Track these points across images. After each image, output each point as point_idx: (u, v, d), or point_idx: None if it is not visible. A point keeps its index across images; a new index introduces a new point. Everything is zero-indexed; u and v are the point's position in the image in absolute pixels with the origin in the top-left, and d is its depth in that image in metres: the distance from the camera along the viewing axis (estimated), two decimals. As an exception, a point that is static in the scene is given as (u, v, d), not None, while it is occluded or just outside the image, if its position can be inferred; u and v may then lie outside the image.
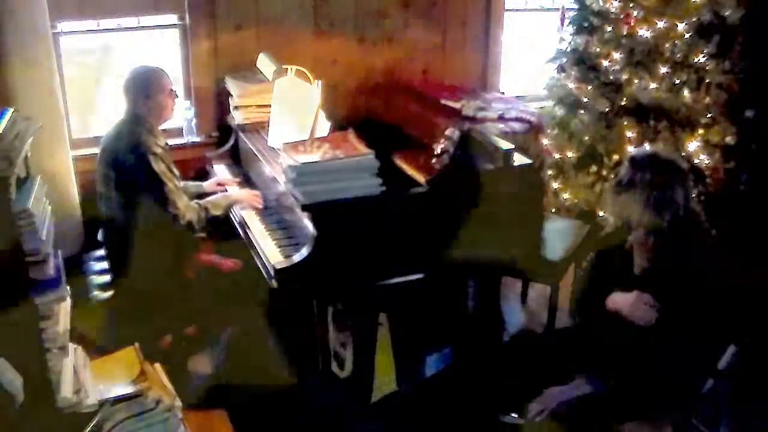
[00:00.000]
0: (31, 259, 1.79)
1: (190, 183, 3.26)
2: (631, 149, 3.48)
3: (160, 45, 3.62)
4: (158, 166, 2.76)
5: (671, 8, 3.49)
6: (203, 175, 3.48)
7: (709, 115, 3.62)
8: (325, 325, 2.93)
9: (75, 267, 3.02)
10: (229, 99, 3.41)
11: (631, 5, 3.57)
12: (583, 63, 3.81)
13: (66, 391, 1.87)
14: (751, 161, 3.69)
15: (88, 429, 1.91)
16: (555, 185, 4.01)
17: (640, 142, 3.58)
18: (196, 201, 2.90)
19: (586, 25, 3.79)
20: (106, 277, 2.98)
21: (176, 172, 2.90)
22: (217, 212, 2.91)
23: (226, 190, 3.22)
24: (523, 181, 2.85)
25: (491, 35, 4.13)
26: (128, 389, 2.03)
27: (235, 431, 2.68)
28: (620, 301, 2.20)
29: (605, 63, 3.71)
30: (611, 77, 3.71)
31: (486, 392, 2.49)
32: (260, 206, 3.01)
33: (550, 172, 3.97)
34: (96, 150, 2.96)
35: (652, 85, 3.58)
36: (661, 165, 2.21)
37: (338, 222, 2.48)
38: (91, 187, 3.06)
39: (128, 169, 2.78)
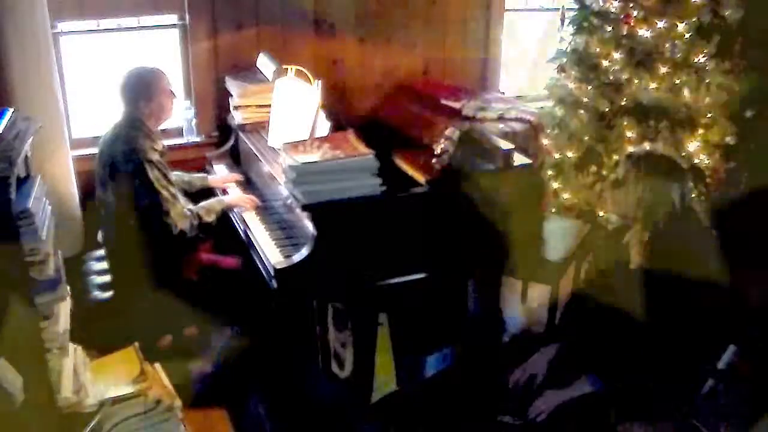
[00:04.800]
0: (31, 259, 1.79)
1: (196, 175, 3.27)
2: (631, 149, 3.48)
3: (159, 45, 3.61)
4: (153, 174, 2.75)
5: (671, 8, 3.49)
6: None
7: (709, 115, 3.62)
8: (325, 325, 2.93)
9: (75, 267, 3.02)
10: (229, 99, 3.41)
11: (631, 5, 3.57)
12: (583, 63, 3.81)
13: (66, 391, 1.87)
14: (751, 161, 3.69)
15: (88, 429, 1.91)
16: (555, 185, 4.01)
17: (640, 142, 3.58)
18: (188, 208, 2.89)
19: (586, 25, 3.79)
20: (106, 277, 2.99)
21: (171, 178, 2.88)
22: (210, 218, 2.91)
23: (226, 191, 3.22)
24: (523, 181, 2.85)
25: (491, 35, 4.13)
26: (128, 389, 2.03)
27: (235, 431, 2.69)
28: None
29: (605, 63, 3.71)
30: (611, 77, 3.71)
31: (486, 392, 2.49)
32: (253, 208, 3.01)
33: (550, 172, 3.97)
34: (96, 150, 2.96)
35: (652, 85, 3.58)
36: (656, 161, 2.22)
37: (338, 222, 2.48)
38: (91, 187, 3.07)
39: (124, 176, 2.77)
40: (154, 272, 2.83)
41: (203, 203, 2.97)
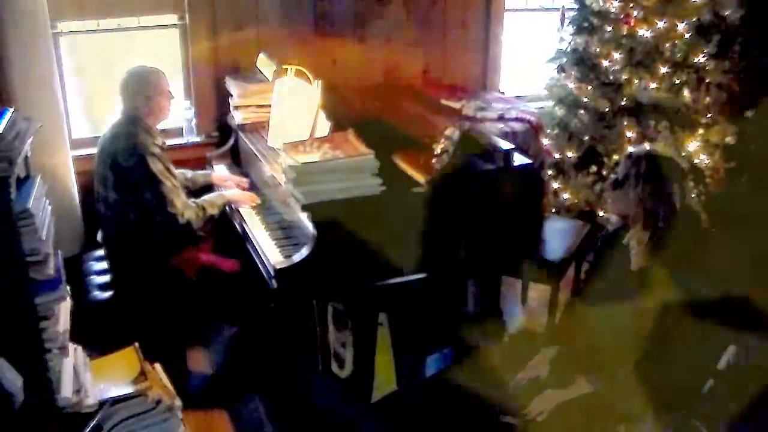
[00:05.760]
0: (31, 259, 1.79)
1: (199, 172, 3.27)
2: (631, 149, 3.48)
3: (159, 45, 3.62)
4: (155, 166, 2.77)
5: (671, 8, 3.49)
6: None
7: (709, 115, 3.62)
8: (325, 325, 2.93)
9: (75, 267, 3.02)
10: (229, 99, 3.41)
11: (631, 5, 3.57)
12: (583, 63, 3.81)
13: (66, 391, 1.86)
14: (751, 161, 3.69)
15: (88, 429, 1.91)
16: (555, 185, 4.01)
17: (640, 142, 3.58)
18: (193, 200, 2.91)
19: (586, 25, 3.79)
20: (106, 277, 2.99)
21: (174, 171, 2.90)
22: (213, 211, 2.93)
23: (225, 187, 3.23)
24: (523, 181, 2.85)
25: (491, 35, 4.12)
26: (128, 389, 2.03)
27: (235, 431, 2.69)
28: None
29: (605, 63, 3.71)
30: (611, 77, 3.71)
31: (486, 392, 2.49)
32: (254, 204, 3.01)
33: (550, 172, 3.97)
34: (95, 150, 2.96)
35: (652, 85, 3.58)
36: (656, 161, 2.22)
37: (338, 222, 2.48)
38: (91, 187, 3.07)
39: (126, 170, 2.78)
40: (155, 271, 2.83)
41: (205, 197, 3.00)
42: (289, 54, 3.44)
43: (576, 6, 3.84)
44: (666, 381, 2.12)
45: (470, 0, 4.02)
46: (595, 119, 3.79)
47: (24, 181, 1.95)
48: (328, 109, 2.89)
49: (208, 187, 3.24)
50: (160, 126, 2.99)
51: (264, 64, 3.30)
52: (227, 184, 3.24)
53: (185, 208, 2.83)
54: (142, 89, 2.84)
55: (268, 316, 3.04)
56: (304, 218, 2.53)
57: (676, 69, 3.56)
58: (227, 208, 3.04)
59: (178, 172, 3.00)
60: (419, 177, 2.70)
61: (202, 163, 3.54)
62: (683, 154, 3.52)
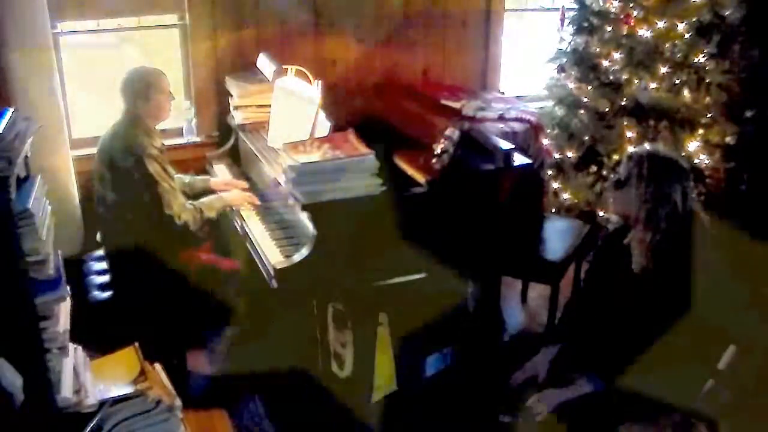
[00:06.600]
0: (31, 259, 1.79)
1: (198, 177, 3.27)
2: (631, 149, 3.48)
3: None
4: (153, 167, 2.77)
5: (671, 8, 3.50)
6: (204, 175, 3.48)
7: (709, 115, 3.63)
8: (325, 325, 2.93)
9: (75, 267, 3.02)
10: (229, 99, 3.41)
11: (631, 5, 3.58)
12: (583, 63, 3.81)
13: (66, 391, 1.86)
14: (751, 161, 3.69)
15: (88, 429, 1.91)
16: (555, 185, 4.01)
17: (640, 142, 3.59)
18: (190, 202, 2.90)
19: (586, 25, 3.79)
20: (106, 277, 2.99)
21: (172, 173, 2.91)
22: (211, 214, 2.93)
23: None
24: (523, 181, 2.85)
25: (491, 35, 4.12)
26: (128, 389, 2.03)
27: (235, 431, 2.68)
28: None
29: (605, 63, 3.72)
30: (611, 77, 3.72)
31: (486, 392, 2.49)
32: (252, 206, 3.01)
33: (550, 172, 3.97)
34: (95, 150, 2.96)
35: (652, 85, 3.59)
36: (659, 162, 2.21)
37: (338, 222, 2.48)
38: (91, 187, 3.07)
39: (123, 170, 2.79)
40: (154, 271, 2.83)
41: (203, 199, 2.99)
42: (289, 54, 3.44)
43: (576, 6, 3.84)
44: (666, 380, 2.12)
45: (470, 0, 4.02)
46: (595, 119, 3.79)
47: (24, 181, 1.95)
48: (328, 109, 2.89)
49: (207, 193, 3.23)
50: (160, 126, 3.00)
51: (264, 64, 3.30)
52: (226, 188, 3.24)
53: (182, 210, 2.82)
54: (143, 89, 2.84)
55: (268, 316, 3.04)
56: (304, 218, 2.53)
57: (676, 69, 3.56)
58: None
59: (176, 177, 2.99)
60: (419, 177, 2.70)
61: (202, 163, 3.54)
62: (683, 154, 3.52)
